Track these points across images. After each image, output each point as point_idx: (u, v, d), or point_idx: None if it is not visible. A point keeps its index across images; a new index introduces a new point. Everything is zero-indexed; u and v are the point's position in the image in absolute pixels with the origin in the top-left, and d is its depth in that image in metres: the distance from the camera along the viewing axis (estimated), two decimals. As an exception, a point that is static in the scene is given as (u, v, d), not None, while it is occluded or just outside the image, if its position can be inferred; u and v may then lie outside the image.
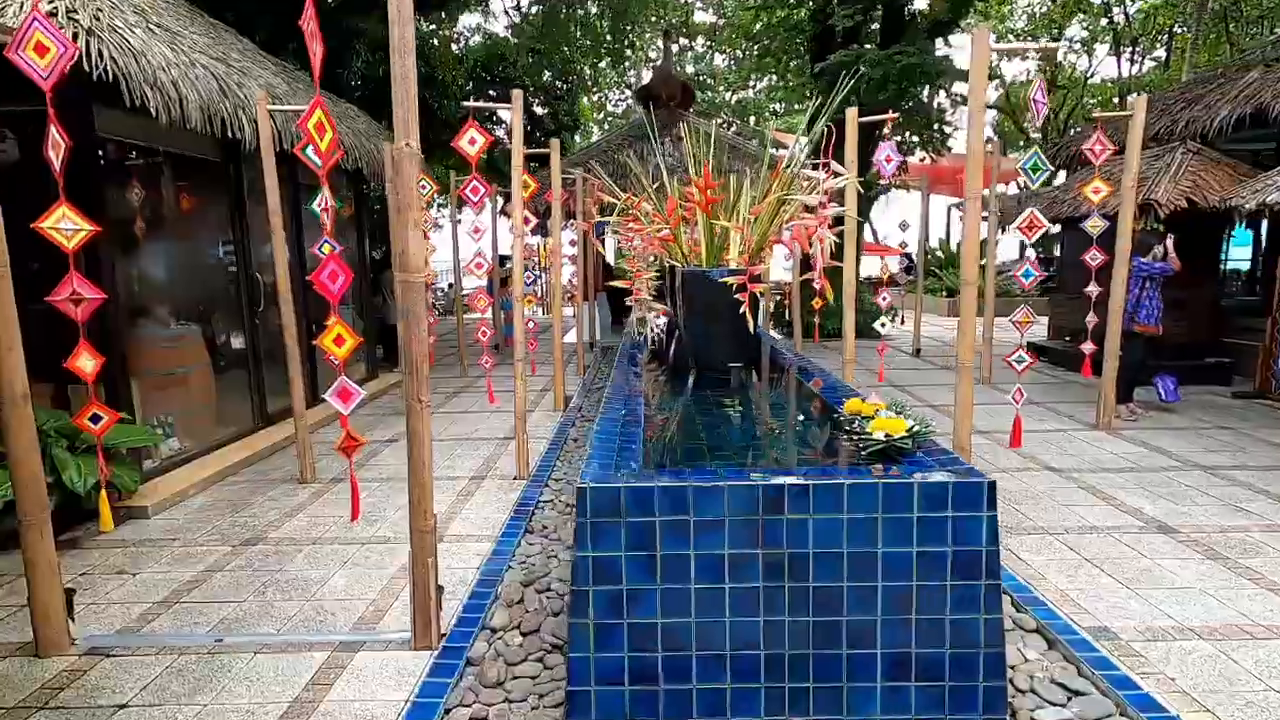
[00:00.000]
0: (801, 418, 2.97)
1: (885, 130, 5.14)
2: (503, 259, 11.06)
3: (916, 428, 2.37)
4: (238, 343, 5.71)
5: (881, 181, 12.09)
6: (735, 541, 2.02)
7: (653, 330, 4.14)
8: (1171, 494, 4.22)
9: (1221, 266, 7.53)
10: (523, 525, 3.67)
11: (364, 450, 5.41)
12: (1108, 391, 5.66)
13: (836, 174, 3.45)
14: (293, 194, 6.27)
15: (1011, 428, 3.89)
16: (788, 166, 3.50)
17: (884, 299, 5.62)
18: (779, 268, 10.30)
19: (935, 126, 12.71)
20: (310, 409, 6.09)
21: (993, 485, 2.01)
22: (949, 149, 14.55)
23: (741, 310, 3.46)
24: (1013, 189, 18.16)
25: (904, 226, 10.50)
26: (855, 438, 2.40)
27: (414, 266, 2.46)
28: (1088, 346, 5.92)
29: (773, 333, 11.01)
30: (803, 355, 4.44)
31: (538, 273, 11.71)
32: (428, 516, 2.60)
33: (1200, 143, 7.15)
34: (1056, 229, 9.20)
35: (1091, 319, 5.92)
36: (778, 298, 11.27)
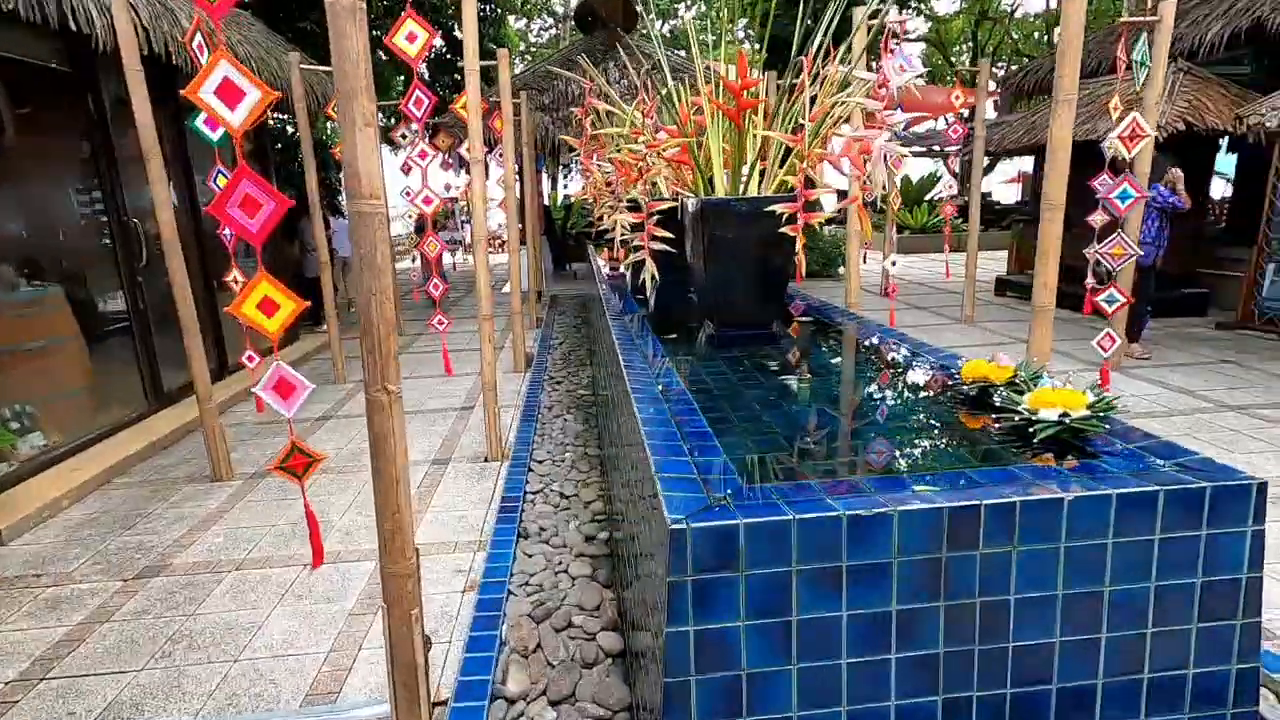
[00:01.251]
0: (897, 390, 2.30)
1: (899, 31, 4.40)
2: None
3: (1101, 399, 1.74)
4: (117, 306, 4.57)
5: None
6: (907, 592, 1.35)
7: (652, 280, 3.37)
8: (1219, 440, 3.87)
9: (1207, 195, 7.33)
10: (514, 529, 2.92)
11: (297, 431, 4.47)
12: (1119, 328, 5.30)
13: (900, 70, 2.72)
14: (174, 117, 5.03)
15: (1101, 376, 3.38)
16: (842, 61, 2.74)
17: (894, 233, 5.00)
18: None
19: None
20: (221, 381, 5.06)
21: (1263, 488, 1.40)
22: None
23: (789, 250, 2.74)
24: (941, 123, 17.94)
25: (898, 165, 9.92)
26: (1011, 417, 1.76)
27: (369, 189, 1.60)
28: (1090, 282, 5.54)
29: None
30: (833, 304, 3.78)
31: (465, 216, 10.53)
32: (406, 554, 1.81)
33: (1189, 62, 6.77)
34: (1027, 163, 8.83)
35: (1090, 253, 5.52)
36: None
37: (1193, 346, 6.01)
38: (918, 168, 18.69)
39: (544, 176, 14.89)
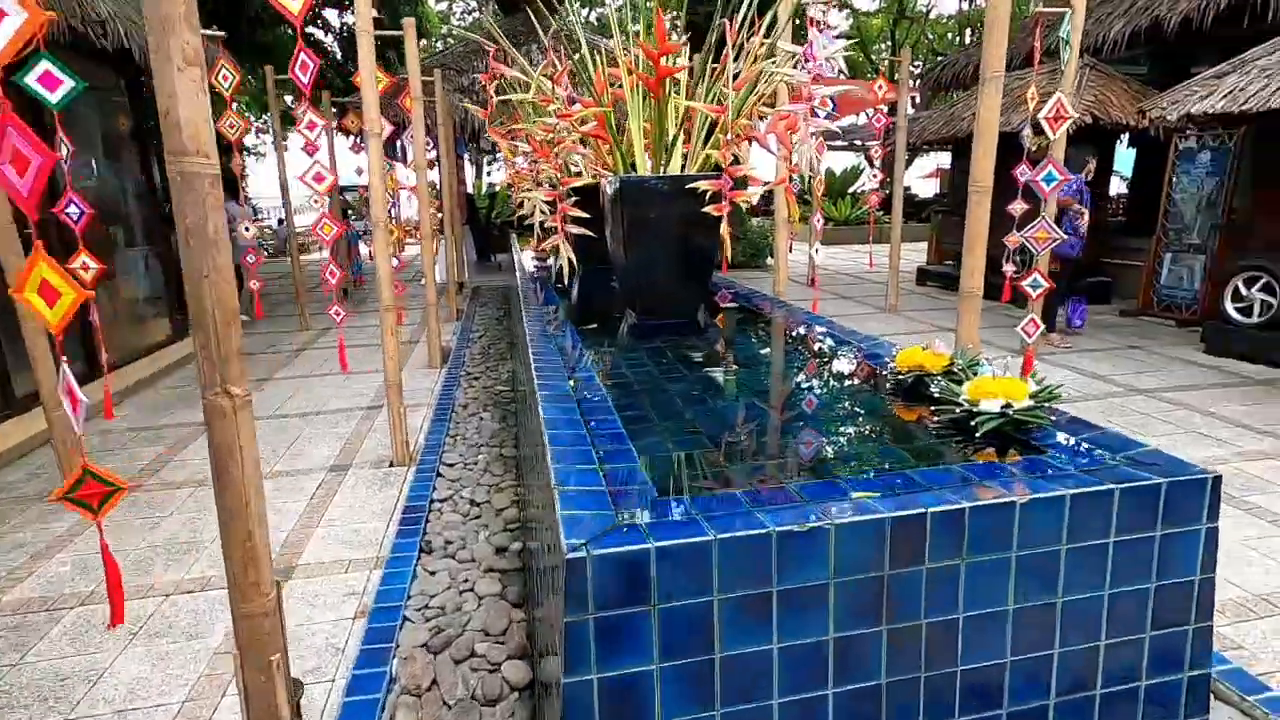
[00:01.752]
0: (829, 382, 2.14)
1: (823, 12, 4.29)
2: (341, 189, 9.18)
3: (1044, 389, 1.62)
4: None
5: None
6: (846, 617, 1.16)
7: (570, 267, 3.12)
8: (1131, 425, 3.95)
9: (1107, 189, 7.65)
10: (416, 542, 2.62)
11: (170, 440, 4.00)
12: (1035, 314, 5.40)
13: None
14: None
15: (1024, 363, 3.34)
16: (766, 34, 2.56)
17: (818, 222, 4.92)
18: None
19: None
20: (94, 381, 4.50)
21: (1218, 481, 1.29)
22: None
23: (714, 234, 2.55)
24: (861, 119, 18.35)
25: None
26: (951, 409, 1.61)
27: (195, 143, 1.29)
28: (1009, 269, 5.64)
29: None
30: (761, 292, 3.62)
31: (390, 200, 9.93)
32: (262, 589, 1.51)
33: (1095, 58, 7.02)
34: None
35: (1013, 239, 5.63)
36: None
37: (1100, 333, 6.24)
38: (840, 161, 19.06)
39: (466, 163, 14.31)
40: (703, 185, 2.34)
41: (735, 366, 2.26)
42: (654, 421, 1.72)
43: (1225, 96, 4.74)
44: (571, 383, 1.95)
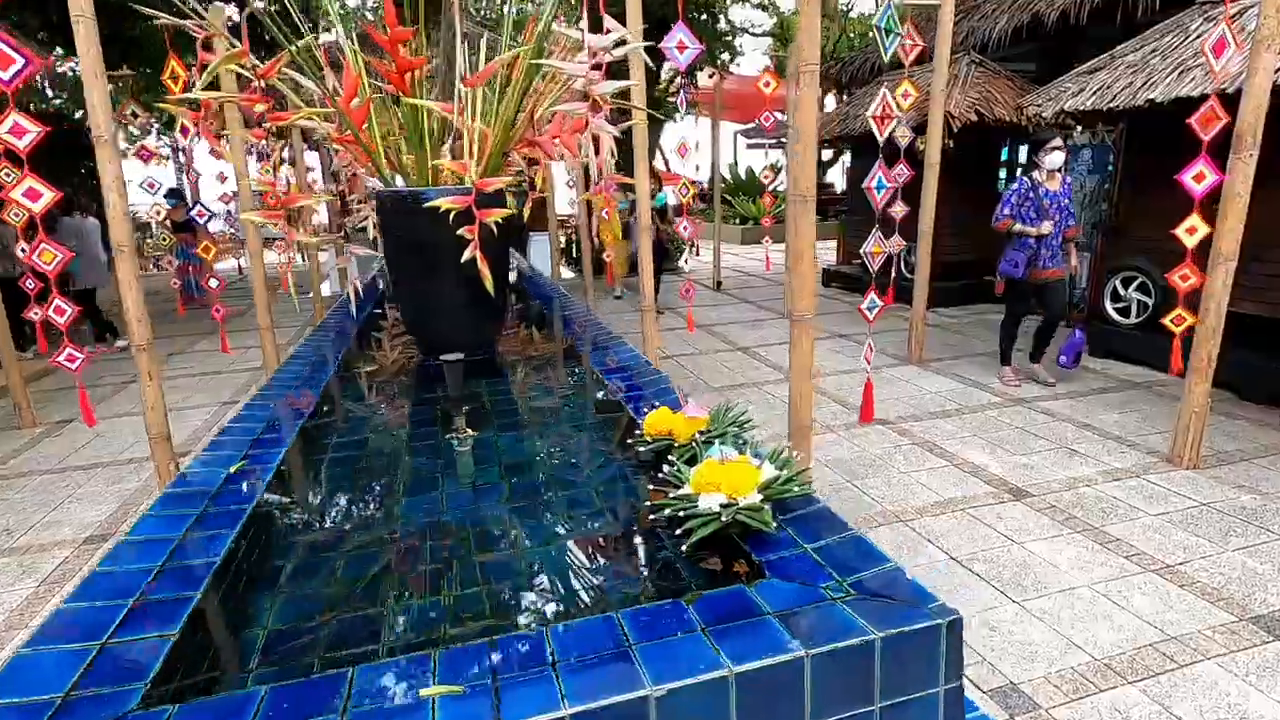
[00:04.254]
0: (567, 456, 1.74)
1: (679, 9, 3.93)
2: (172, 192, 8.26)
3: (782, 475, 1.25)
4: None
5: (674, 93, 11.17)
6: None
7: (350, 291, 2.66)
8: (1005, 441, 3.73)
9: (999, 186, 7.60)
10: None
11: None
12: (918, 319, 5.21)
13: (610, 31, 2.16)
14: None
15: (863, 397, 3.03)
16: (541, 25, 2.15)
17: (685, 228, 4.57)
18: (563, 191, 8.95)
19: (720, 42, 12.00)
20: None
21: (957, 625, 0.94)
22: (733, 69, 14.02)
23: (499, 248, 2.13)
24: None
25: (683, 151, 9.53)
26: (668, 505, 1.23)
27: None
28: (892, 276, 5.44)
29: (565, 273, 9.74)
30: (591, 312, 3.22)
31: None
32: None
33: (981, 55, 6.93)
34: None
35: (896, 243, 5.43)
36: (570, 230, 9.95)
37: (989, 335, 6.11)
38: (757, 160, 18.98)
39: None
40: (442, 203, 1.91)
41: (463, 434, 1.82)
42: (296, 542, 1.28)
43: (1094, 94, 4.61)
44: (233, 469, 1.50)
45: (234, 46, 2.05)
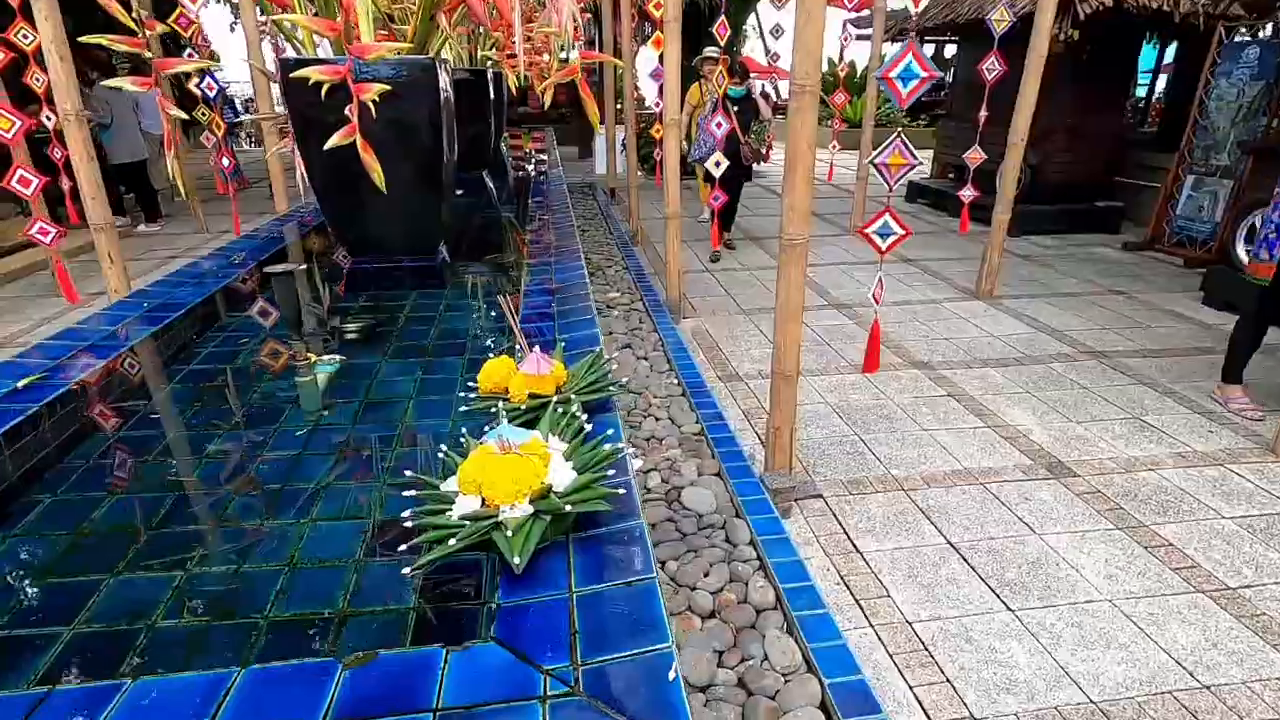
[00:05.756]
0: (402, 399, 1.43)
1: None
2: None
3: (576, 482, 0.89)
4: None
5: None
6: None
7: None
8: (1062, 403, 3.15)
9: (1132, 90, 6.34)
10: None
11: None
12: (994, 247, 4.48)
13: None
14: None
15: (867, 345, 2.53)
16: None
17: (717, 125, 3.98)
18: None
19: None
20: None
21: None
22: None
23: (342, 141, 1.76)
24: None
25: (777, 32, 8.42)
26: (428, 499, 0.90)
27: None
28: (967, 193, 4.68)
29: (639, 173, 9.17)
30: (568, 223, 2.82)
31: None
32: None
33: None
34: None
35: (974, 155, 4.62)
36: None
37: (1086, 271, 5.25)
38: (862, 54, 17.05)
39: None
40: (310, 74, 1.54)
41: (321, 360, 1.54)
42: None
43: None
44: (22, 383, 1.28)
45: None
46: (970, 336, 3.96)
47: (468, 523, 0.81)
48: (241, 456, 1.22)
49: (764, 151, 9.37)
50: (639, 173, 6.57)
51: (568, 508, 0.82)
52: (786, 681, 1.60)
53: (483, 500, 0.83)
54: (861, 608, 1.95)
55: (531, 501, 0.83)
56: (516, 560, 0.77)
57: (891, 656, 1.78)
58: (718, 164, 4.07)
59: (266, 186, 6.93)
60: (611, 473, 0.91)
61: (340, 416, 1.34)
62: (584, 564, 0.83)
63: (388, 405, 1.37)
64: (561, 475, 0.86)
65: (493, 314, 2.01)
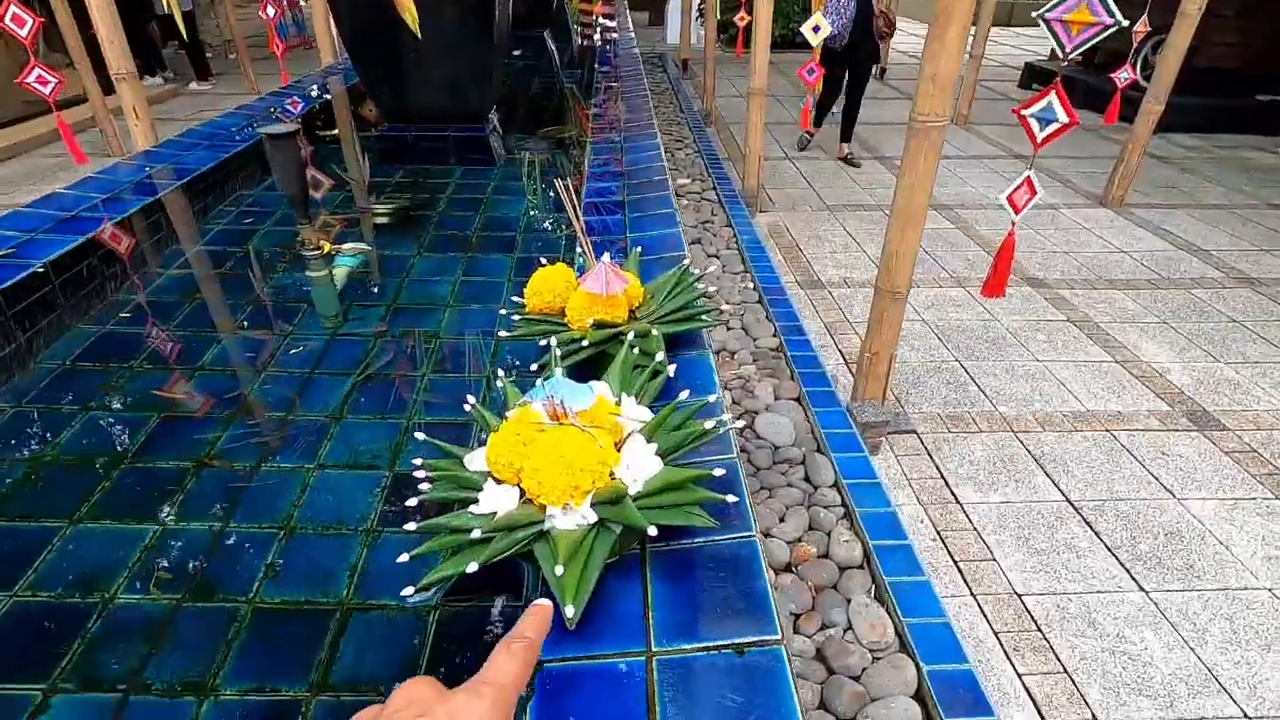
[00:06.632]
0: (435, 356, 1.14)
1: None
2: None
3: (674, 479, 0.59)
4: None
5: None
6: None
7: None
8: (1208, 337, 2.67)
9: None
10: None
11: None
12: (1135, 147, 3.80)
13: None
14: None
15: (995, 262, 2.08)
16: None
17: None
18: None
19: None
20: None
21: None
22: None
23: None
24: None
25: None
26: (437, 481, 0.63)
27: None
28: (1124, 74, 3.96)
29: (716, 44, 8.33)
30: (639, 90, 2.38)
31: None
32: None
33: None
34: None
35: (1140, 28, 3.87)
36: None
37: (1237, 178, 4.48)
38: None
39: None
40: None
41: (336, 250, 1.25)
42: None
43: None
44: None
45: None
46: (1094, 251, 3.42)
47: (496, 535, 0.54)
48: (239, 370, 0.98)
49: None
50: (716, 43, 5.83)
51: (651, 529, 0.53)
52: (876, 660, 1.37)
53: (522, 492, 0.56)
54: (961, 572, 1.67)
55: (595, 504, 0.55)
56: (570, 611, 0.50)
57: (997, 635, 1.52)
58: (815, 29, 3.46)
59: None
60: (716, 463, 0.62)
61: (360, 324, 1.08)
62: (667, 598, 0.56)
63: (421, 312, 1.10)
64: (642, 463, 0.57)
65: (550, 200, 1.68)
